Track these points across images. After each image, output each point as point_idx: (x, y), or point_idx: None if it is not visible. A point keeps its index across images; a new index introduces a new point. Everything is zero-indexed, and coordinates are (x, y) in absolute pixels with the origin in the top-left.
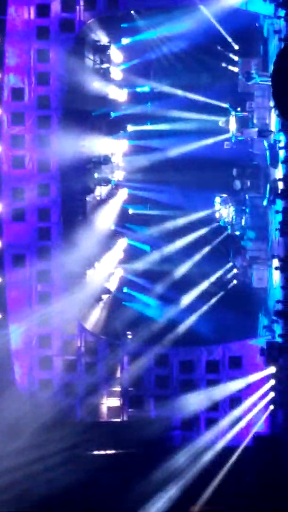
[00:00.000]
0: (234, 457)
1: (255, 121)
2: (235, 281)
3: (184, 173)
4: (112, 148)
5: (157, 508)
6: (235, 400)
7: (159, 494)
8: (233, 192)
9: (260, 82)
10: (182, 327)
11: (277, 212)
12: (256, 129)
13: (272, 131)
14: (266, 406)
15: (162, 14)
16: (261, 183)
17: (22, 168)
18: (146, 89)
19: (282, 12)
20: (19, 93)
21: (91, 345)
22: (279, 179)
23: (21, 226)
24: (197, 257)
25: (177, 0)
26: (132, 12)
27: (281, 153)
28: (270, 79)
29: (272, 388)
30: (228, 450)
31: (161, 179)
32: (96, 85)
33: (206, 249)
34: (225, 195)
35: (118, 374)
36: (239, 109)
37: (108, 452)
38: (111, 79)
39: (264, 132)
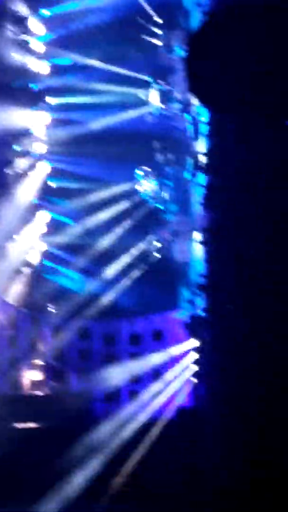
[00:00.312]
0: (156, 430)
1: (176, 94)
2: (157, 255)
3: (106, 146)
4: (33, 120)
5: (79, 482)
6: (157, 373)
7: (81, 467)
8: (155, 165)
9: (182, 55)
10: (104, 300)
11: (199, 185)
12: (179, 105)
13: (195, 105)
14: (188, 379)
15: None
16: (183, 156)
17: None
18: (67, 61)
19: None
20: None
21: (12, 318)
22: (201, 152)
23: None
24: (119, 230)
25: None
26: None
27: (203, 126)
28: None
29: (194, 362)
30: (150, 423)
31: (83, 152)
32: (16, 56)
33: (128, 223)
34: (147, 168)
35: (40, 348)
36: (160, 82)
37: (30, 425)
38: (31, 51)
39: (186, 107)
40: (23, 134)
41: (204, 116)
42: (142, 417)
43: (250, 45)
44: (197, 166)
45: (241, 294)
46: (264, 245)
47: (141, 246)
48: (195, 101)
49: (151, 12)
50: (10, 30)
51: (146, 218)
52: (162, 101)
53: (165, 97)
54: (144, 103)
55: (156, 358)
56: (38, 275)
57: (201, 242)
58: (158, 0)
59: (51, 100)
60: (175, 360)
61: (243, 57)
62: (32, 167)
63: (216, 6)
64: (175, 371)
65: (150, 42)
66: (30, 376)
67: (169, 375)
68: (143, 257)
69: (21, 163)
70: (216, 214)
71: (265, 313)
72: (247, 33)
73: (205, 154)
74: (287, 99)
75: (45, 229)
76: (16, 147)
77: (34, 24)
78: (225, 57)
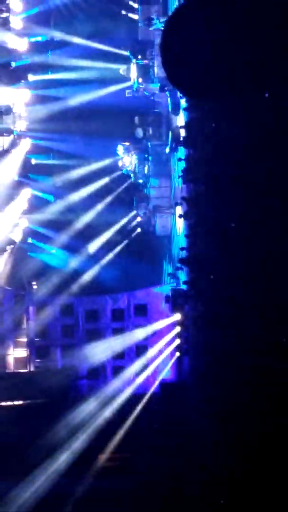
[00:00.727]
0: (141, 405)
1: (155, 69)
2: (139, 230)
3: (86, 122)
4: (13, 98)
5: (65, 458)
6: (141, 348)
7: (67, 443)
8: (136, 140)
9: (161, 28)
10: (87, 277)
11: (179, 159)
12: (158, 85)
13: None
14: (172, 354)
15: None
16: (163, 130)
17: None
18: (46, 38)
19: None
20: None
21: None
22: (181, 127)
23: None
24: (100, 206)
25: None
26: None
27: (182, 101)
28: None
29: (177, 335)
30: (135, 398)
31: (64, 129)
32: None
33: (110, 198)
34: (127, 144)
35: (24, 325)
36: (140, 57)
37: (16, 403)
38: (10, 29)
39: (165, 87)
40: (4, 112)
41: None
42: (127, 392)
43: (223, 23)
44: (177, 140)
45: (222, 265)
46: (243, 215)
47: (123, 221)
48: None
49: None
50: None
51: (127, 194)
52: (142, 76)
53: (144, 71)
54: (124, 78)
55: (139, 333)
56: (21, 253)
57: (181, 216)
58: None
59: (31, 77)
60: (158, 334)
61: (217, 35)
62: (13, 144)
63: None
64: (159, 345)
65: (128, 17)
66: (15, 353)
67: (153, 350)
68: (125, 232)
69: (2, 141)
70: (195, 186)
71: (246, 284)
72: (220, 11)
73: (184, 127)
74: (261, 73)
75: (27, 206)
76: None
77: (13, 2)
78: (198, 37)
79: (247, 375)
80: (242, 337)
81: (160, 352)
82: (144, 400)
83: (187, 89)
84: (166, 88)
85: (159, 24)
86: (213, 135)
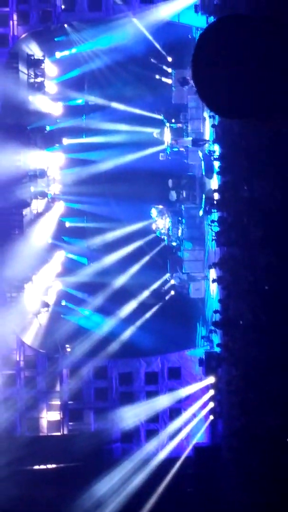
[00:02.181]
0: (174, 469)
1: (189, 132)
2: (172, 292)
3: (120, 185)
4: (48, 161)
5: None
6: (174, 411)
7: (100, 507)
8: (169, 203)
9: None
10: (121, 339)
11: (212, 222)
12: (190, 138)
13: (206, 140)
14: (205, 417)
15: (95, 27)
16: (197, 193)
17: None
18: (80, 102)
19: None
20: None
21: (30, 359)
22: (214, 190)
23: None
24: (134, 268)
25: (110, 13)
26: (65, 25)
27: (216, 164)
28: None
29: (211, 398)
30: (169, 462)
31: (98, 192)
32: (31, 99)
33: (143, 261)
34: (161, 206)
35: (58, 388)
36: (173, 120)
37: (49, 466)
38: (46, 93)
39: (198, 141)
40: (39, 175)
41: (216, 152)
42: (161, 456)
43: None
44: (210, 203)
45: (256, 328)
46: (277, 278)
47: (156, 284)
48: (207, 137)
49: (163, 52)
50: (25, 73)
51: (161, 256)
52: (175, 140)
53: (178, 135)
54: (157, 141)
55: (173, 396)
56: (55, 316)
57: (215, 280)
58: (169, 41)
59: (65, 140)
60: (192, 397)
61: (249, 59)
62: (47, 207)
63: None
64: (193, 408)
65: (162, 81)
66: (49, 416)
67: (186, 413)
68: (159, 295)
69: (37, 204)
70: (229, 249)
71: (280, 346)
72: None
73: (217, 190)
74: None
75: (61, 269)
76: (32, 188)
77: (48, 66)
78: (231, 59)
79: (281, 436)
80: (275, 400)
81: (194, 415)
82: (178, 464)
83: (218, 106)
84: (199, 144)
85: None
86: (246, 197)
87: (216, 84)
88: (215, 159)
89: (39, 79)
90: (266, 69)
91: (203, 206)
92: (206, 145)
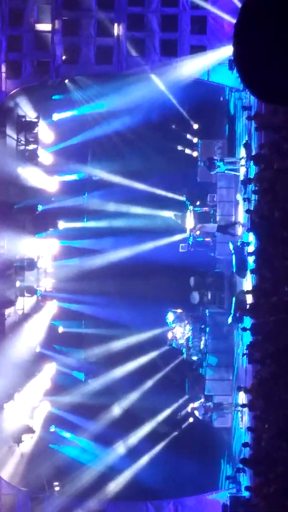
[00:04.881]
0: None
1: (218, 218)
2: (191, 419)
3: (129, 282)
4: (39, 249)
5: None
6: None
7: None
8: (190, 307)
9: (225, 172)
10: (124, 477)
11: (244, 330)
12: (215, 225)
13: (237, 222)
14: None
15: (103, 84)
16: (225, 295)
17: None
18: (82, 176)
19: None
20: None
21: (9, 500)
22: (247, 291)
23: None
24: (144, 388)
25: (122, 67)
26: (66, 81)
27: (250, 259)
28: (238, 166)
29: None
30: None
31: (100, 290)
32: (20, 171)
33: (155, 378)
34: (179, 310)
35: None
36: (198, 203)
37: None
38: (39, 164)
39: (226, 228)
40: (27, 267)
41: (252, 244)
42: None
43: None
44: (242, 308)
45: None
46: None
47: (171, 408)
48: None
49: (186, 116)
50: (14, 138)
51: (178, 373)
52: (200, 228)
53: (204, 221)
54: (177, 229)
55: None
56: (41, 445)
57: (244, 405)
58: (195, 103)
59: (61, 224)
60: None
61: None
62: (37, 307)
63: None
64: None
65: (185, 153)
66: None
67: None
68: (174, 422)
69: (24, 303)
70: (264, 367)
71: None
72: None
73: (251, 292)
74: None
75: (50, 386)
76: (19, 283)
77: (43, 131)
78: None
79: None
80: None
81: None
82: None
83: (262, 91)
84: (226, 231)
85: (223, 166)
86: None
87: (259, 63)
88: (249, 253)
89: (31, 146)
90: None
91: (232, 311)
92: (239, 229)
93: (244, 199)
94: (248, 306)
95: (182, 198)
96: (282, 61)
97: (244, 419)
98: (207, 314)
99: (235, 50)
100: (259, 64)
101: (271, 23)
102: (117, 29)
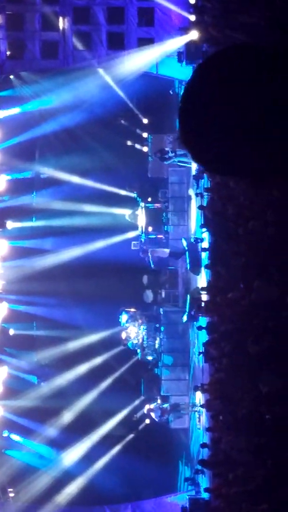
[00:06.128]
0: None
1: (169, 214)
2: (147, 421)
3: (80, 281)
4: None
5: None
6: None
7: None
8: (144, 306)
9: (179, 163)
10: (79, 482)
11: (199, 328)
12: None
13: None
14: None
15: (50, 80)
16: (180, 293)
17: None
18: (30, 175)
19: None
20: None
21: None
22: (202, 288)
23: None
24: (98, 390)
25: (69, 62)
26: (11, 77)
27: (204, 255)
28: (190, 158)
29: None
30: None
31: (51, 291)
32: None
33: (110, 380)
34: (133, 310)
35: None
36: (150, 199)
37: None
38: None
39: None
40: None
41: (205, 241)
42: None
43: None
44: (197, 305)
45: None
46: (281, 406)
47: (126, 410)
48: (193, 222)
49: (136, 111)
50: None
51: (133, 374)
52: (152, 224)
53: (155, 217)
54: (129, 227)
55: None
56: None
57: (202, 406)
58: (144, 97)
59: (10, 224)
60: None
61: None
62: None
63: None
64: None
65: (135, 148)
66: None
67: None
68: (130, 424)
69: None
70: (220, 366)
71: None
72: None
73: (206, 289)
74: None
75: (2, 390)
76: None
77: None
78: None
79: None
80: None
81: None
82: None
83: (206, 158)
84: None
85: (175, 158)
86: (243, 299)
87: (207, 132)
88: (203, 249)
89: None
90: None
91: (187, 309)
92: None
93: (197, 194)
94: (203, 304)
95: (133, 195)
96: (228, 136)
97: (201, 419)
98: (162, 313)
99: (181, 128)
100: (206, 142)
101: (226, 86)
102: (63, 23)
